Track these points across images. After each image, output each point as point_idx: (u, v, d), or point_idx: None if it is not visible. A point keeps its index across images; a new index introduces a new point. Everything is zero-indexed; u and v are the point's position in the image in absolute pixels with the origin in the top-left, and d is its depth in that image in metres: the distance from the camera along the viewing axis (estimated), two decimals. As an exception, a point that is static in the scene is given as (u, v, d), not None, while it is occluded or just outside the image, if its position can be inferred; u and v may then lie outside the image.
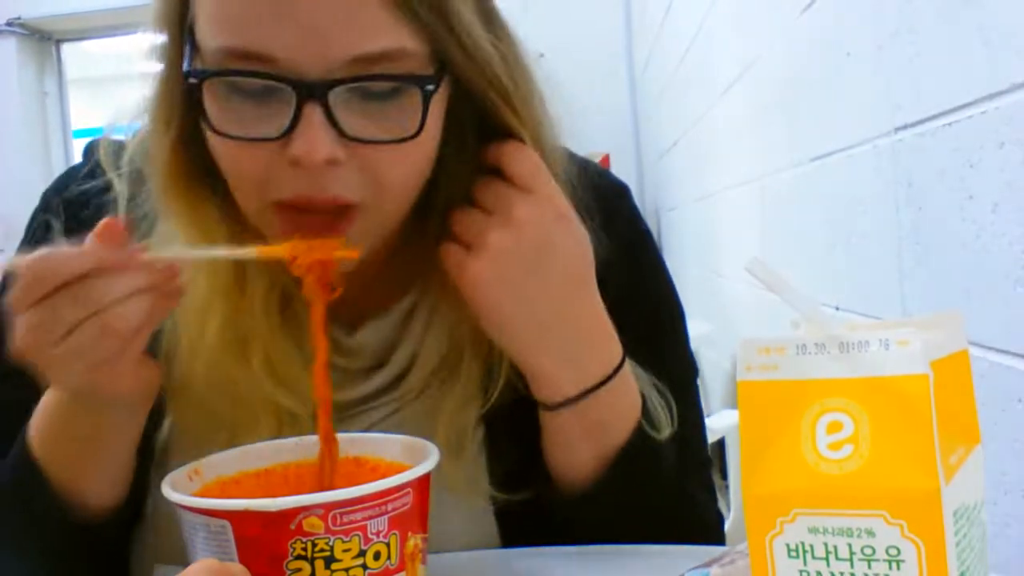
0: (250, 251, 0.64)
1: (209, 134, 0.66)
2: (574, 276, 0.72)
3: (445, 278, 0.72)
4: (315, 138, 0.62)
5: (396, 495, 0.57)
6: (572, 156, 0.80)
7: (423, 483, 0.60)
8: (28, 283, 0.59)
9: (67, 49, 5.70)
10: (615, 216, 0.82)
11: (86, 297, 0.59)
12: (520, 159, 0.70)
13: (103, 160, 0.77)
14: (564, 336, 0.71)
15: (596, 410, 0.73)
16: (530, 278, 0.69)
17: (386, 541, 0.57)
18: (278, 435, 0.71)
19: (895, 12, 1.07)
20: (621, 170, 0.91)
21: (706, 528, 0.82)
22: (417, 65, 0.64)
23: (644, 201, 4.02)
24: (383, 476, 0.61)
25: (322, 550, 0.55)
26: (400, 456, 0.65)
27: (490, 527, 0.76)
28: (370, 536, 0.56)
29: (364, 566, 0.56)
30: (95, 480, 0.70)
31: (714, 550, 0.58)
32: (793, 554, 0.44)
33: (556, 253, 0.70)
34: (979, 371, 0.88)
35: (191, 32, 0.66)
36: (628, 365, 0.75)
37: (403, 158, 0.67)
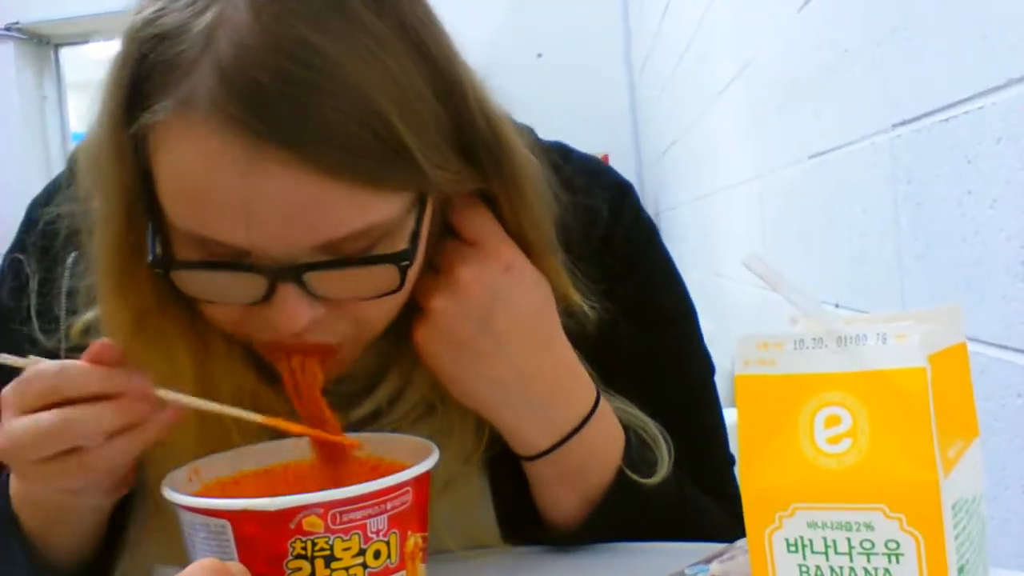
0: (255, 416, 0.64)
1: (176, 276, 0.63)
2: (531, 328, 0.70)
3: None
4: (292, 311, 0.61)
5: (395, 494, 0.57)
6: (569, 156, 0.80)
7: (422, 482, 0.60)
8: (23, 391, 0.60)
9: (65, 53, 5.70)
10: (620, 218, 0.80)
11: (73, 431, 0.59)
12: (467, 214, 0.69)
13: (61, 195, 0.74)
14: (526, 390, 0.70)
15: (572, 456, 0.72)
16: (480, 337, 0.68)
17: (386, 540, 0.57)
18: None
19: (892, 8, 1.07)
20: (620, 170, 0.90)
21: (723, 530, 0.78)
22: (392, 230, 0.62)
23: (644, 201, 4.02)
24: (381, 475, 0.61)
25: (322, 549, 0.55)
26: (401, 455, 0.65)
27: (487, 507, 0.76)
28: (370, 535, 0.56)
29: (364, 565, 0.56)
30: (64, 543, 0.72)
31: (714, 546, 0.58)
32: (792, 548, 0.44)
33: (507, 308, 0.68)
34: (979, 366, 0.88)
35: (153, 196, 0.62)
36: (606, 405, 0.74)
37: (384, 303, 0.65)
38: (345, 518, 0.55)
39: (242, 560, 0.55)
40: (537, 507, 0.75)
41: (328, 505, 0.55)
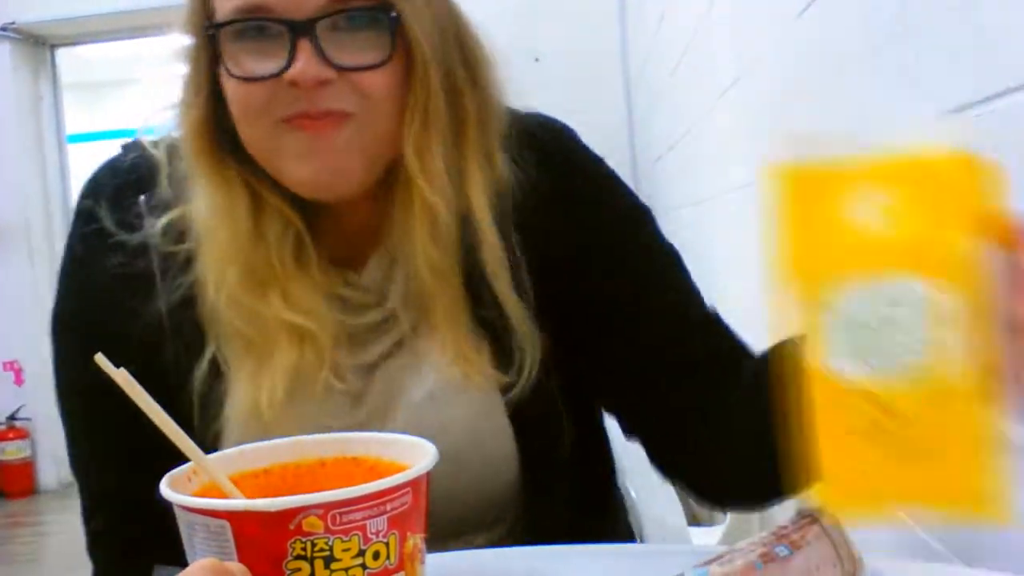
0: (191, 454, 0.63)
1: (227, 85, 0.82)
2: None
3: (401, 227, 0.86)
4: (308, 64, 0.79)
5: (395, 495, 0.57)
6: (513, 112, 0.92)
7: (422, 482, 0.60)
8: None
9: (62, 54, 5.70)
10: (550, 153, 0.92)
11: None
12: None
13: (144, 144, 0.92)
14: None
15: None
16: None
17: (385, 541, 0.57)
18: (299, 354, 0.84)
19: (891, 16, 1.07)
20: (617, 172, 0.96)
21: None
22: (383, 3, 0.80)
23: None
24: (380, 475, 0.61)
25: (321, 550, 0.55)
26: (397, 455, 0.65)
27: (500, 414, 0.86)
28: (369, 536, 0.56)
29: (363, 566, 0.56)
30: None
31: (714, 549, 0.58)
32: (838, 320, 0.45)
33: None
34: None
35: (209, 5, 0.83)
36: None
37: (381, 78, 0.82)
38: (345, 519, 0.55)
39: (241, 560, 0.55)
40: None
41: (328, 506, 0.55)
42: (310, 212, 0.88)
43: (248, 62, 0.81)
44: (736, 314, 0.93)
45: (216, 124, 0.86)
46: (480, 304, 0.87)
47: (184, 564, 0.57)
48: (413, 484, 0.58)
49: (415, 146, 0.84)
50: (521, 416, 0.86)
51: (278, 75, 0.80)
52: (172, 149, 0.90)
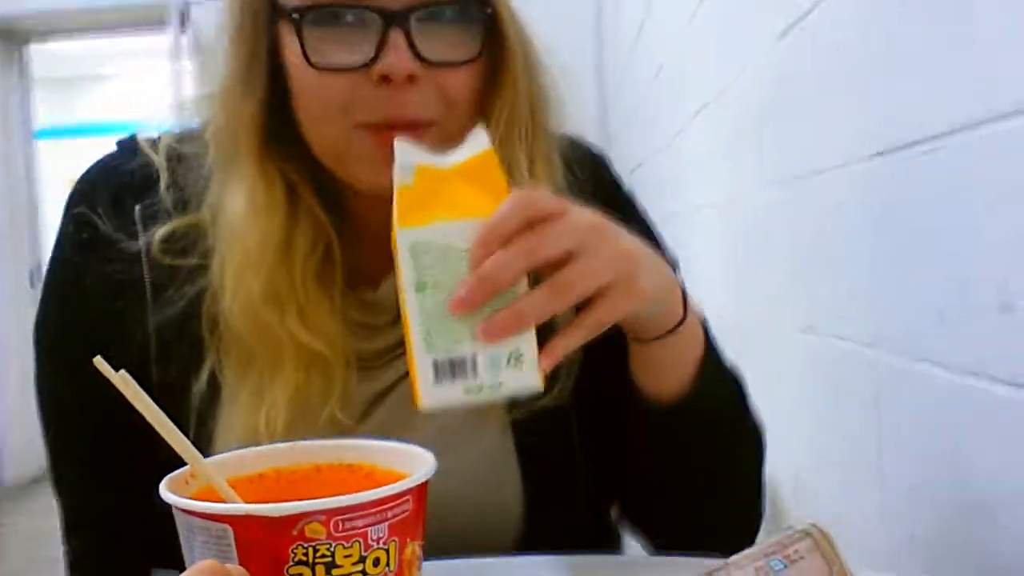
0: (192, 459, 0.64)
1: (298, 78, 0.77)
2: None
3: None
4: (400, 56, 0.74)
5: (397, 502, 0.58)
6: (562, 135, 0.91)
7: (422, 490, 0.60)
8: None
9: (33, 49, 5.64)
10: (600, 179, 0.93)
11: None
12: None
13: (142, 145, 0.87)
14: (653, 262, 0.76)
15: (685, 331, 0.80)
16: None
17: (386, 548, 0.57)
18: (306, 380, 0.80)
19: (877, 39, 1.09)
20: None
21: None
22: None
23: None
24: (376, 483, 0.61)
25: (323, 556, 0.55)
26: (393, 463, 0.66)
27: (508, 449, 0.84)
28: (370, 542, 0.57)
29: (364, 572, 0.57)
30: None
31: (710, 563, 0.59)
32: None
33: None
34: (953, 393, 0.90)
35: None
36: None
37: (467, 79, 0.79)
38: (347, 525, 0.56)
39: (242, 565, 0.55)
40: (638, 391, 0.81)
41: (331, 512, 0.55)
42: (342, 215, 0.85)
43: (330, 51, 0.76)
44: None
45: (269, 122, 0.81)
46: None
47: (180, 568, 0.57)
48: (414, 492, 0.59)
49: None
50: (529, 447, 0.83)
51: (366, 66, 0.75)
52: (172, 152, 0.86)
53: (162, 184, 0.85)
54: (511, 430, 0.84)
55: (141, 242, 0.83)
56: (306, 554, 0.55)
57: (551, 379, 0.81)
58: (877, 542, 1.10)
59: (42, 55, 5.80)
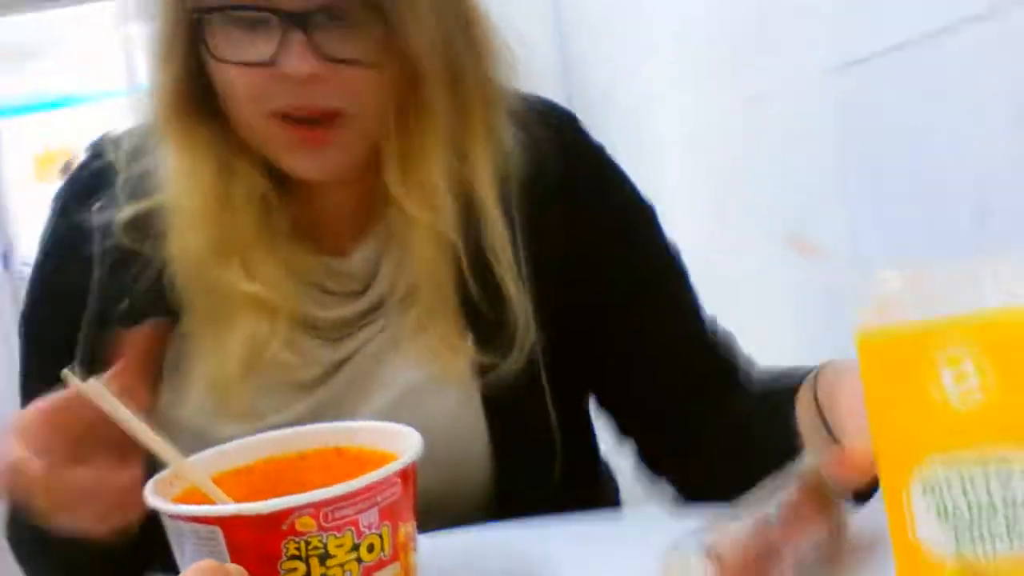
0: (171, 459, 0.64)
1: (211, 66, 0.79)
2: None
3: (402, 208, 0.84)
4: (298, 59, 0.75)
5: (385, 487, 0.57)
6: (521, 94, 0.89)
7: (411, 472, 0.60)
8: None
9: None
10: (568, 140, 0.91)
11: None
12: None
13: (106, 146, 0.90)
14: None
15: None
16: None
17: (379, 533, 0.57)
18: (255, 323, 0.83)
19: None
20: None
21: None
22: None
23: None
24: (364, 465, 0.61)
25: (316, 548, 0.55)
26: (380, 443, 0.65)
27: (476, 414, 0.84)
28: (362, 530, 0.56)
29: (359, 559, 0.56)
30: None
31: (708, 514, 0.59)
32: (929, 492, 0.44)
33: None
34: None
35: None
36: None
37: (371, 77, 0.79)
38: (337, 515, 0.55)
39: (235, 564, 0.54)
40: None
41: (320, 504, 0.55)
42: (290, 186, 0.86)
43: (233, 48, 0.78)
44: (685, 258, 0.93)
45: (191, 89, 0.83)
46: (471, 287, 0.84)
47: (170, 569, 0.57)
48: (402, 474, 0.58)
49: (405, 149, 0.83)
50: (498, 409, 0.84)
51: (268, 64, 0.77)
52: (134, 146, 0.88)
53: (119, 176, 0.87)
54: (477, 387, 0.84)
55: (94, 227, 0.86)
56: (298, 548, 0.55)
57: (511, 340, 0.83)
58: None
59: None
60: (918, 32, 0.90)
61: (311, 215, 0.87)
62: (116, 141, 0.90)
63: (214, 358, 0.83)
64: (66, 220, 0.89)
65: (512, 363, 0.83)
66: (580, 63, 4.07)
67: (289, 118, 0.79)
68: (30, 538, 0.79)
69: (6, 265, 5.53)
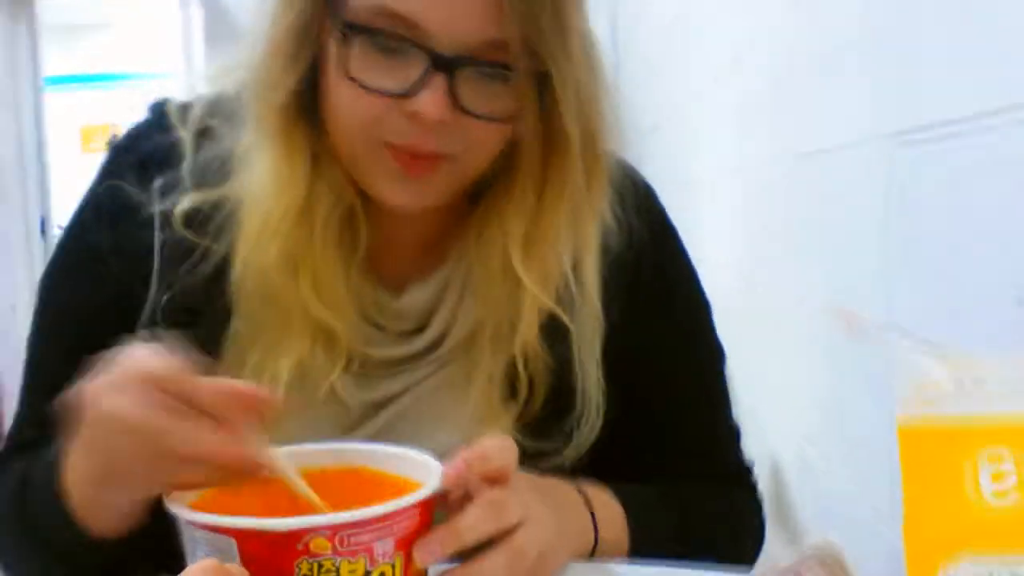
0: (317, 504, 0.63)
1: (334, 77, 0.76)
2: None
3: (476, 251, 0.83)
4: (437, 102, 0.73)
5: (403, 516, 0.57)
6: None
7: (430, 504, 0.60)
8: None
9: (41, -5, 5.58)
10: (648, 211, 0.90)
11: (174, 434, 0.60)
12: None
13: (173, 116, 0.85)
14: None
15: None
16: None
17: (392, 562, 0.57)
18: (311, 351, 0.80)
19: (896, 15, 1.07)
20: None
21: (748, 538, 0.94)
22: (528, 59, 0.74)
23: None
24: (383, 488, 0.61)
25: (328, 571, 0.55)
26: (401, 469, 0.65)
27: None
28: (376, 557, 0.56)
29: (369, 586, 0.56)
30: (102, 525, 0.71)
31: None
32: None
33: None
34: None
35: None
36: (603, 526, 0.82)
37: (496, 132, 0.78)
38: (353, 540, 0.55)
39: (246, 578, 0.54)
40: None
41: (336, 528, 0.55)
42: (365, 212, 0.83)
43: (369, 71, 0.75)
44: (715, 299, 0.94)
45: (304, 93, 0.80)
46: (532, 361, 0.83)
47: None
48: (421, 505, 0.58)
49: (534, 224, 0.81)
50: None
51: (400, 97, 0.74)
52: (201, 124, 0.85)
53: (186, 160, 0.83)
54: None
55: (156, 211, 0.82)
56: (311, 569, 0.55)
57: (566, 430, 0.83)
58: (881, 529, 1.10)
59: (50, 3, 5.75)
60: (970, 110, 0.90)
61: (374, 245, 0.85)
62: (183, 114, 0.86)
63: (260, 377, 0.79)
64: (121, 193, 0.84)
65: (568, 454, 0.83)
66: (632, 95, 4.07)
67: (395, 147, 0.77)
68: (20, 535, 0.77)
69: (43, 232, 5.59)
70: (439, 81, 0.73)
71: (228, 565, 0.53)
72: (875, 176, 1.14)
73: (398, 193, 0.79)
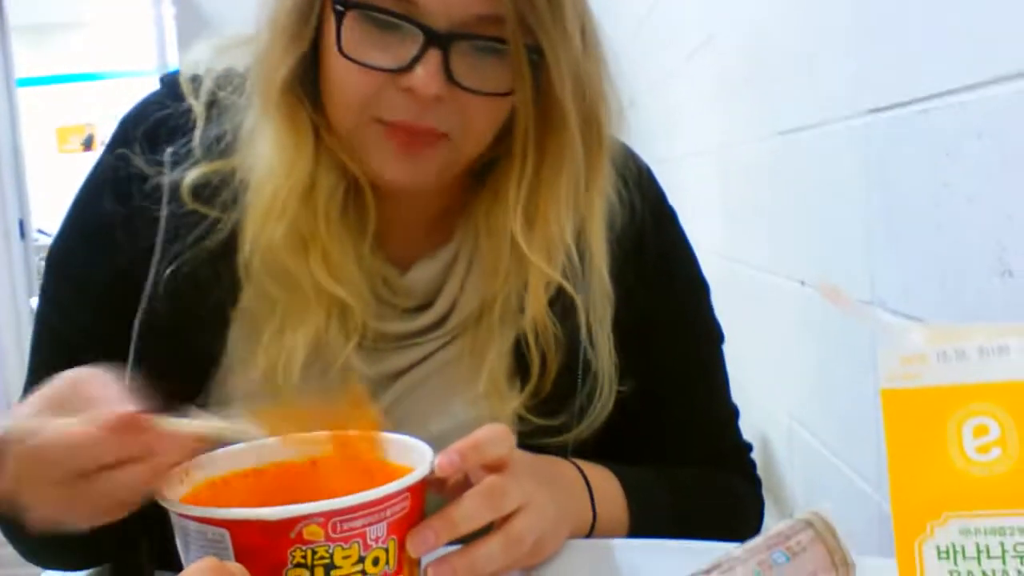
0: (260, 431, 0.65)
1: (332, 54, 0.76)
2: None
3: (482, 228, 0.84)
4: (431, 77, 0.73)
5: (395, 501, 0.57)
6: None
7: (421, 487, 0.60)
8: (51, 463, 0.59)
9: (10, -4, 5.53)
10: (648, 192, 0.91)
11: (102, 488, 0.59)
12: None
13: (184, 87, 0.86)
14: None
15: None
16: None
17: (385, 547, 0.57)
18: (326, 325, 0.80)
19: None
20: None
21: (746, 519, 0.94)
22: (523, 34, 0.74)
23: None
24: (376, 474, 0.61)
25: (322, 557, 0.55)
26: (392, 455, 0.65)
27: None
28: (369, 542, 0.56)
29: (363, 572, 0.56)
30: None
31: (716, 552, 0.59)
32: (943, 556, 0.45)
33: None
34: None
35: None
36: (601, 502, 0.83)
37: (492, 108, 0.78)
38: (345, 527, 0.55)
39: (240, 568, 0.54)
40: None
41: (329, 514, 0.55)
42: (368, 189, 0.83)
43: (364, 48, 0.75)
44: None
45: (306, 72, 0.80)
46: (542, 339, 0.83)
47: (175, 567, 0.57)
48: (412, 490, 0.58)
49: (533, 198, 0.81)
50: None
51: (395, 73, 0.74)
52: (212, 96, 0.85)
53: (197, 130, 0.84)
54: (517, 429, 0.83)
55: (166, 182, 0.82)
56: (304, 557, 0.55)
57: (578, 408, 0.84)
58: (870, 500, 1.11)
59: (19, 2, 5.70)
60: (950, 84, 0.90)
61: (381, 223, 0.85)
62: (195, 85, 0.86)
63: (274, 350, 0.80)
64: (129, 163, 0.83)
65: (580, 429, 0.84)
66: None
67: (391, 125, 0.77)
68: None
69: (22, 235, 5.55)
70: (434, 56, 0.73)
71: (228, 564, 0.53)
72: (856, 151, 1.15)
73: (395, 171, 0.78)
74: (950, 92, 0.90)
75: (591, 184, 0.84)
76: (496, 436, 0.67)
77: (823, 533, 0.58)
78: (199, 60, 0.87)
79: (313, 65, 0.80)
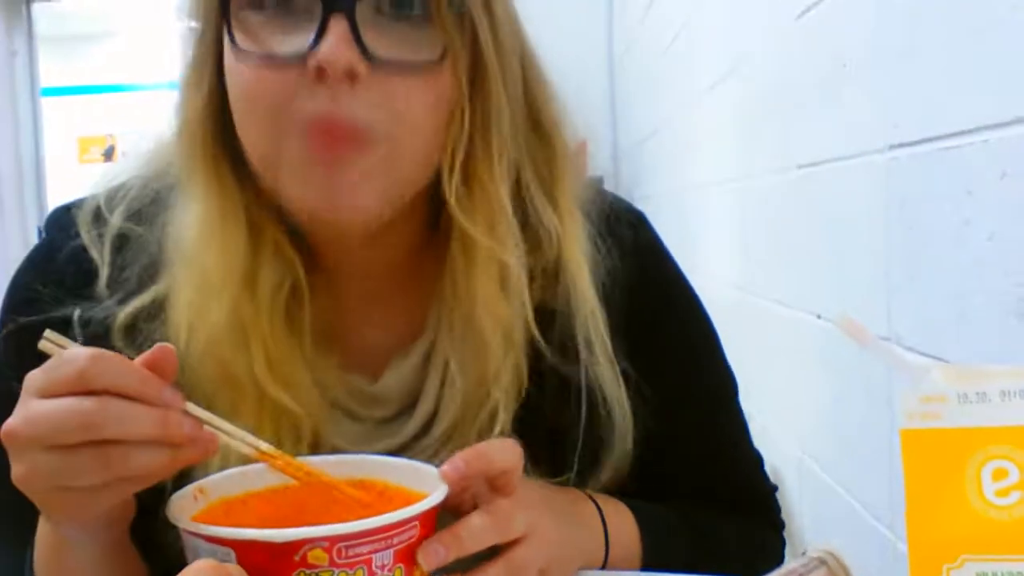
0: (263, 450, 0.63)
1: (232, 68, 0.68)
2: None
3: (457, 312, 0.75)
4: (339, 47, 0.64)
5: (403, 528, 0.57)
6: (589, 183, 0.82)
7: (430, 516, 0.59)
8: (50, 376, 0.56)
9: (38, 7, 5.59)
10: (633, 242, 0.84)
11: (105, 417, 0.55)
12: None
13: (84, 236, 0.76)
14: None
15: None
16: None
17: (391, 574, 0.56)
18: (277, 435, 0.71)
19: (900, 30, 1.07)
20: (596, 156, 0.93)
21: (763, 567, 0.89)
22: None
23: (618, 187, 4.01)
24: (389, 500, 0.60)
25: (326, 582, 0.54)
26: (406, 481, 0.64)
27: None
28: (375, 569, 0.56)
29: (368, 598, 0.56)
30: None
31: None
32: None
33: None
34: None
35: None
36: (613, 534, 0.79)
37: (420, 90, 0.68)
38: (351, 552, 0.55)
39: (245, 589, 0.54)
40: None
41: (335, 539, 0.54)
42: (317, 281, 0.75)
43: (261, 40, 0.67)
44: (711, 309, 0.92)
45: (219, 125, 0.71)
46: (543, 395, 0.77)
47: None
48: (422, 518, 0.58)
49: (468, 168, 0.72)
50: None
51: (301, 56, 0.65)
52: (117, 234, 0.76)
53: (100, 279, 0.75)
54: None
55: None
56: (308, 580, 0.54)
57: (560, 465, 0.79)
58: (882, 538, 1.10)
59: (48, 13, 5.76)
60: (971, 123, 0.90)
61: (335, 319, 0.77)
62: (90, 219, 0.77)
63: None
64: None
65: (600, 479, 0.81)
66: (627, 106, 4.08)
67: (309, 125, 0.66)
68: None
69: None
70: (338, 24, 0.64)
71: (228, 565, 0.53)
72: (877, 186, 1.14)
73: (319, 187, 0.67)
74: (974, 130, 0.90)
75: (556, 185, 0.77)
76: (502, 446, 0.65)
77: (836, 572, 0.57)
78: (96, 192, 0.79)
79: (223, 113, 0.71)
